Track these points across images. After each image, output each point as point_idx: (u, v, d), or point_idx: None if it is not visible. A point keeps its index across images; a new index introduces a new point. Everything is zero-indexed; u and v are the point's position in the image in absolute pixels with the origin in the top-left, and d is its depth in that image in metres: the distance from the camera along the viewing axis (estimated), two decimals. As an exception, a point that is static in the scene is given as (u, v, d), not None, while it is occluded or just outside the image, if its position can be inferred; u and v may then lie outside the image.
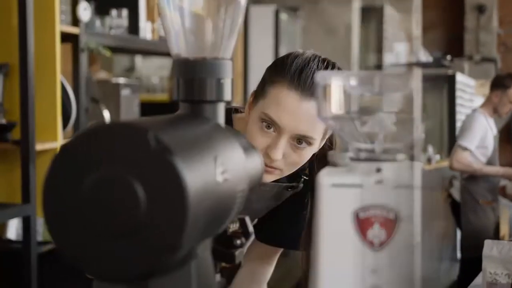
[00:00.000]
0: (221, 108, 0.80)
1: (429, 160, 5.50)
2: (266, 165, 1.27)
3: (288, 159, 1.28)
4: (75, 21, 2.68)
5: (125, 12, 3.09)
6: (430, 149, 5.88)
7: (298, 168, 1.44)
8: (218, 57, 0.80)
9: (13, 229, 2.76)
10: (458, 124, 6.85)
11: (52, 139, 2.49)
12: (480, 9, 8.97)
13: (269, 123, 1.25)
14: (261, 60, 4.04)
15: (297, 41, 5.53)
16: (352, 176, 0.69)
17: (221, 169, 0.70)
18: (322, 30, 5.56)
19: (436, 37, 7.78)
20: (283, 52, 5.27)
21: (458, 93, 6.73)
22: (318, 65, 1.26)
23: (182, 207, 0.61)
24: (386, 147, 0.72)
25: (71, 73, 2.70)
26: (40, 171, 2.39)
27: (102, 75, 4.58)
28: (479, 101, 8.21)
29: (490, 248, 1.98)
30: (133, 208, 0.61)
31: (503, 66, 9.28)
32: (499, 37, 9.32)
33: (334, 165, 0.77)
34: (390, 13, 7.31)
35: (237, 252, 0.87)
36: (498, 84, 4.32)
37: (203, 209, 0.64)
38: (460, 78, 6.87)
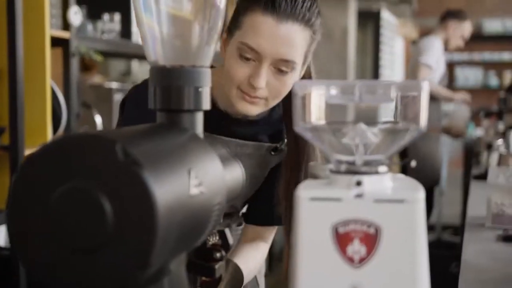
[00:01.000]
0: (199, 117, 0.78)
1: None
2: (250, 96, 1.26)
3: (271, 87, 1.26)
4: (66, 26, 2.66)
5: (117, 16, 3.06)
6: None
7: (280, 125, 1.42)
8: (196, 64, 0.77)
9: (2, 235, 2.73)
10: (382, 62, 6.93)
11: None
12: None
13: (248, 52, 1.24)
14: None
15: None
16: (331, 189, 0.67)
17: (196, 182, 0.67)
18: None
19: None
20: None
21: (381, 31, 6.74)
22: None
23: (151, 222, 0.58)
24: (367, 159, 0.69)
25: (62, 77, 2.67)
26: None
27: (97, 79, 4.55)
28: (399, 41, 8.31)
29: (495, 175, 1.84)
30: (100, 222, 0.58)
31: (419, 9, 9.35)
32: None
33: (314, 177, 0.74)
34: (387, 17, 7.30)
35: (217, 266, 0.84)
36: (455, 15, 4.35)
37: (174, 224, 0.62)
38: (385, 15, 6.86)
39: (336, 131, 0.69)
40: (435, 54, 4.23)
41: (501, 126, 4.11)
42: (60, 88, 2.66)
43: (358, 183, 0.67)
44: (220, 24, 0.80)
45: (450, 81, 9.81)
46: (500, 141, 3.10)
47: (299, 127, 0.69)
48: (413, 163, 3.34)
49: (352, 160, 0.69)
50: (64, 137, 0.61)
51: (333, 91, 0.68)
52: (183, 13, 0.79)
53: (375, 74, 7.10)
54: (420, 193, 0.66)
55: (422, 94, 0.66)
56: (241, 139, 1.40)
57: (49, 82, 2.47)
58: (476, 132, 5.72)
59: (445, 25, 4.41)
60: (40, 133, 2.45)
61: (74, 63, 2.68)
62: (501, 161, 2.88)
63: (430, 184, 4.33)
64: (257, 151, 1.41)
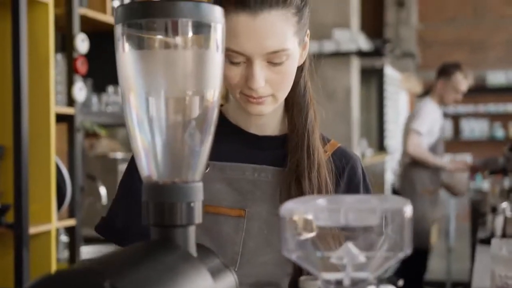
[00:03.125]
0: (192, 232, 0.79)
1: (362, 155, 5.55)
2: (254, 97, 1.19)
3: (272, 82, 1.18)
4: (71, 101, 2.70)
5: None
6: (364, 143, 5.90)
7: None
8: (188, 180, 0.79)
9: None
10: (386, 118, 6.99)
11: (46, 221, 2.48)
12: (400, 4, 9.17)
13: (234, 57, 1.16)
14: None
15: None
16: (319, 313, 0.68)
17: (186, 307, 0.68)
18: (323, 94, 5.59)
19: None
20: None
21: (385, 86, 6.82)
22: None
23: None
24: (354, 276, 0.70)
25: (67, 152, 2.71)
26: (33, 255, 2.38)
27: (104, 143, 4.59)
28: (403, 95, 8.42)
29: (498, 247, 1.82)
30: None
31: (422, 62, 9.45)
32: (418, 32, 9.53)
33: (305, 293, 0.75)
34: (390, 73, 7.38)
35: None
36: (442, 72, 4.39)
37: None
38: (388, 71, 6.95)
39: (323, 252, 0.70)
40: (427, 119, 4.24)
41: (507, 183, 4.09)
42: (65, 161, 2.69)
43: (346, 306, 0.67)
44: (211, 136, 0.81)
45: (456, 133, 9.87)
46: (504, 204, 3.08)
47: (285, 250, 0.70)
48: (400, 283, 3.34)
49: (340, 279, 0.70)
50: (53, 274, 0.62)
51: (320, 214, 0.70)
52: (176, 130, 0.81)
53: (380, 130, 7.14)
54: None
55: (406, 218, 0.68)
56: (260, 163, 1.28)
57: (54, 159, 2.50)
58: (484, 184, 5.70)
59: (436, 84, 4.47)
60: (44, 210, 2.47)
61: (79, 138, 2.72)
62: (507, 224, 2.85)
63: (422, 245, 4.29)
64: (277, 178, 1.27)
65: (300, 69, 1.28)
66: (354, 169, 1.33)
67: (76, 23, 2.70)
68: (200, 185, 0.80)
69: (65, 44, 2.78)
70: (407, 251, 0.69)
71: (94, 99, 2.97)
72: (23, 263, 2.32)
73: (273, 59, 1.17)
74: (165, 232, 0.78)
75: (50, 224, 2.48)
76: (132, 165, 1.31)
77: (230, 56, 1.16)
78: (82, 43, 2.70)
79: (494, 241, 1.96)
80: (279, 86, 1.20)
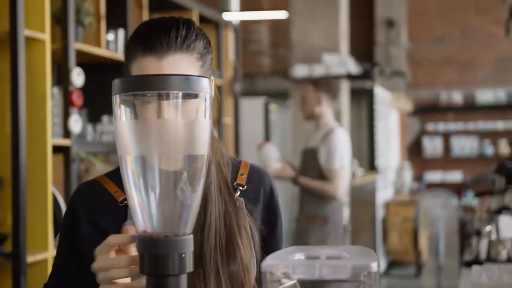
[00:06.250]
0: (183, 280, 0.88)
1: (353, 175, 5.60)
2: None
3: None
4: (67, 133, 2.79)
5: (116, 117, 3.19)
6: (355, 163, 5.99)
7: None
8: (179, 234, 0.88)
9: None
10: (377, 137, 7.10)
11: (44, 250, 2.55)
12: (389, 24, 9.32)
13: (146, 99, 1.21)
14: (253, 152, 4.16)
15: (287, 128, 5.67)
16: None
17: None
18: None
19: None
20: (273, 139, 5.42)
21: (375, 107, 6.93)
22: (167, 21, 1.25)
23: None
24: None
25: (63, 181, 2.79)
26: (31, 283, 2.45)
27: (98, 168, 4.65)
28: (394, 113, 8.56)
29: (478, 274, 1.88)
30: None
31: (412, 80, 9.61)
32: (408, 51, 9.69)
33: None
34: (380, 93, 7.49)
35: None
36: None
37: None
38: (378, 91, 7.08)
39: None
40: None
41: (493, 204, 4.15)
42: (61, 191, 2.77)
43: None
44: (200, 194, 0.91)
45: (446, 150, 9.99)
46: (488, 228, 3.15)
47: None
48: None
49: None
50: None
51: (297, 269, 0.78)
52: (168, 188, 0.90)
53: (371, 150, 7.22)
54: None
55: (373, 271, 0.76)
56: None
57: (51, 189, 2.58)
58: (474, 202, 5.77)
59: None
60: (41, 238, 2.55)
61: (75, 168, 2.80)
62: (491, 248, 2.92)
63: None
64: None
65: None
66: (269, 186, 1.40)
67: (72, 58, 2.79)
68: (190, 237, 0.88)
69: (61, 77, 2.87)
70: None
71: (89, 129, 3.05)
72: (21, 291, 2.40)
73: None
74: (159, 281, 0.87)
75: (47, 253, 2.56)
76: (69, 218, 1.33)
77: (143, 99, 1.25)
78: (77, 77, 2.79)
79: (474, 268, 2.03)
80: None
